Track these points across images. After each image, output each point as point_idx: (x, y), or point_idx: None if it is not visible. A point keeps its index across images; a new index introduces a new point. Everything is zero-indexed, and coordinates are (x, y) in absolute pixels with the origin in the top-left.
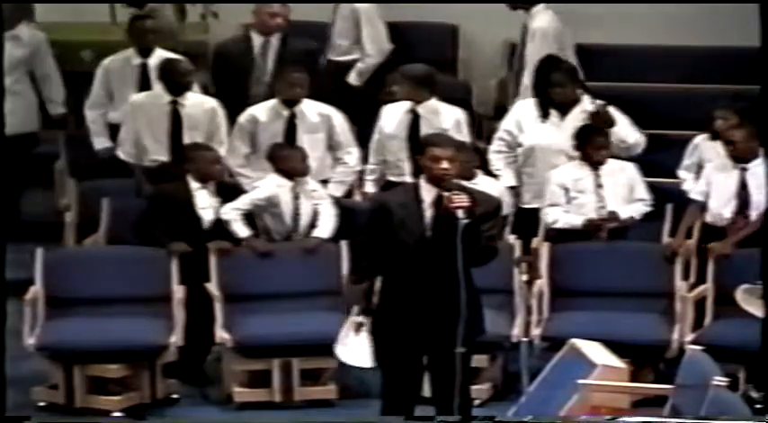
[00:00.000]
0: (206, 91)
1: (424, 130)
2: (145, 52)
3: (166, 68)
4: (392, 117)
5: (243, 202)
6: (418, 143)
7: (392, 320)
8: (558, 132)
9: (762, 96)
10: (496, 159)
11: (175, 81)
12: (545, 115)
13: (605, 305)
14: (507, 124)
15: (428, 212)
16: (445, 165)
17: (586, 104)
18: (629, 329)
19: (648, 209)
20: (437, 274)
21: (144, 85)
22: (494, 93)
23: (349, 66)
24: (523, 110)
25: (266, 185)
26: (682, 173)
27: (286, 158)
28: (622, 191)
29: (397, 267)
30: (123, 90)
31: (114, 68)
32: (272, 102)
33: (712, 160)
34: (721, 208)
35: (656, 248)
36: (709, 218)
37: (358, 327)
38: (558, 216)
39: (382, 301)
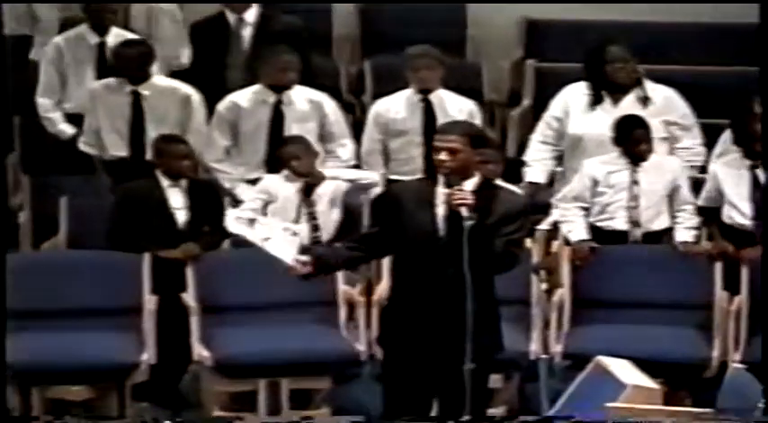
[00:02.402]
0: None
1: (441, 119)
2: (100, 29)
3: (122, 53)
4: (396, 110)
5: (248, 205)
6: (433, 133)
7: (399, 329)
8: (610, 121)
9: (762, 96)
10: (538, 150)
11: (134, 67)
12: (596, 100)
13: (635, 317)
14: (555, 109)
15: (441, 210)
16: (442, 156)
17: (647, 89)
18: (662, 345)
19: (694, 219)
20: (449, 280)
21: (103, 67)
22: (507, 76)
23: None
24: (572, 93)
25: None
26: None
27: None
28: (662, 191)
29: (405, 269)
30: (79, 73)
31: (67, 47)
32: (256, 87)
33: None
34: (741, 209)
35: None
36: (727, 220)
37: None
38: (573, 228)
39: (389, 306)
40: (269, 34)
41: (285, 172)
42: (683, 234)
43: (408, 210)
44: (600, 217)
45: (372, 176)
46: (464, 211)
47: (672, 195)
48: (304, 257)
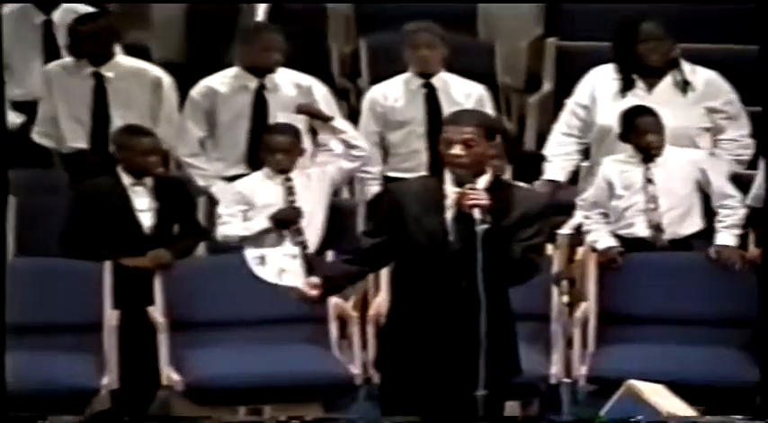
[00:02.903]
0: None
1: (447, 107)
2: (45, 5)
3: (80, 30)
4: (394, 97)
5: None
6: (438, 123)
7: (400, 350)
8: None
9: (762, 97)
10: (560, 143)
11: (95, 45)
12: (627, 85)
13: (670, 336)
14: (581, 96)
15: (450, 212)
16: (456, 150)
17: (685, 71)
18: (702, 367)
19: (737, 215)
20: (460, 293)
21: (51, 49)
22: (525, 57)
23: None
24: (600, 77)
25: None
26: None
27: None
28: (683, 188)
29: (408, 280)
30: (23, 55)
31: (7, 25)
32: (235, 70)
33: None
34: None
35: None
36: None
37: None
38: (598, 236)
39: (389, 324)
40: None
41: (266, 169)
42: (724, 236)
43: (413, 213)
44: (619, 224)
45: (364, 145)
46: (477, 214)
47: (703, 192)
48: (314, 279)
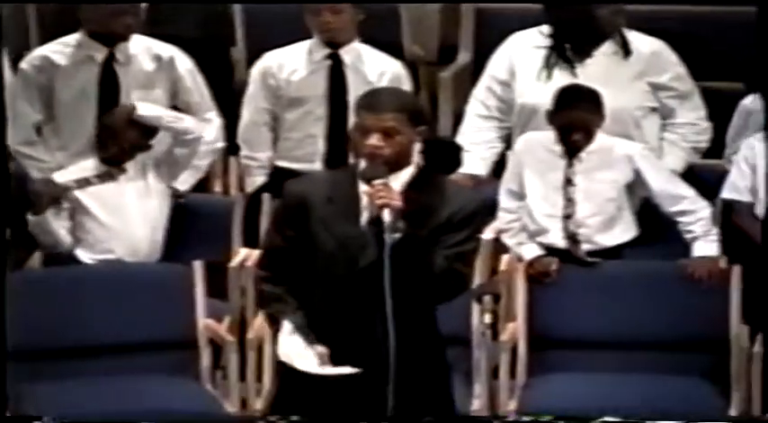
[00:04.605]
0: None
1: (354, 86)
2: None
3: None
4: (292, 68)
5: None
6: (343, 105)
7: (302, 386)
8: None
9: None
10: (478, 129)
11: None
12: (558, 56)
13: (620, 362)
14: (497, 70)
15: (366, 213)
16: (374, 140)
17: (627, 38)
18: (658, 400)
19: (703, 216)
20: (372, 312)
21: None
22: (437, 25)
23: None
24: (519, 46)
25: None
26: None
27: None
28: (611, 191)
29: (310, 296)
30: None
31: None
32: (77, 37)
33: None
34: None
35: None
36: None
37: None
38: (521, 240)
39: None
40: None
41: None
42: (702, 246)
43: (321, 216)
44: (531, 228)
45: (190, 122)
46: (387, 217)
47: (637, 194)
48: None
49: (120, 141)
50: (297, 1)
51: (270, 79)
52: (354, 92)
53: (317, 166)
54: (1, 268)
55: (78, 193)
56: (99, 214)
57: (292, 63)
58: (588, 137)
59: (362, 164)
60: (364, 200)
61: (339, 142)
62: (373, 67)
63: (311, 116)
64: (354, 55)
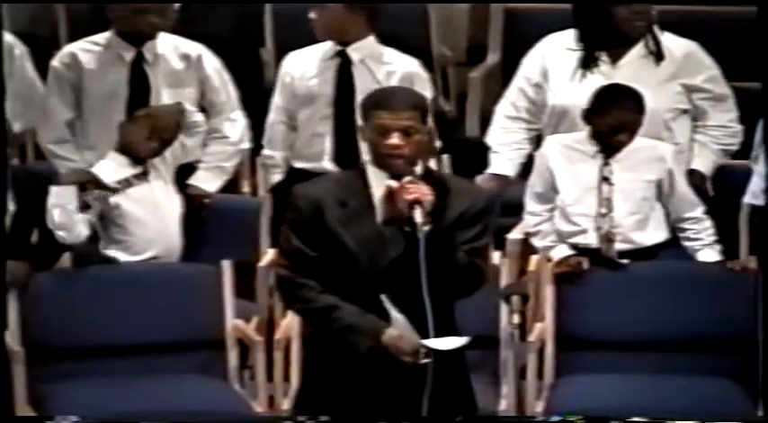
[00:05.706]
0: None
1: (361, 84)
2: None
3: None
4: (306, 68)
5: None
6: (350, 104)
7: (326, 385)
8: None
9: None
10: (506, 130)
11: None
12: (590, 59)
13: (647, 363)
14: (530, 71)
15: (380, 212)
16: (395, 140)
17: (659, 40)
18: (686, 401)
19: (710, 227)
20: (402, 309)
21: None
22: (467, 24)
23: None
24: (552, 48)
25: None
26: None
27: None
28: (646, 191)
29: (344, 297)
30: None
31: None
32: (106, 36)
33: None
34: None
35: (727, 271)
36: None
37: None
38: (550, 242)
39: (313, 352)
40: None
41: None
42: (708, 254)
43: (337, 218)
44: (565, 229)
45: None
46: (418, 215)
47: (660, 195)
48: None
49: (164, 139)
50: (324, 0)
51: (287, 78)
52: (361, 90)
53: (326, 164)
54: (1, 268)
55: (118, 196)
56: (139, 214)
57: (307, 62)
58: (631, 136)
59: (371, 163)
60: (377, 197)
61: (347, 140)
62: (383, 66)
63: (319, 114)
64: (364, 52)
